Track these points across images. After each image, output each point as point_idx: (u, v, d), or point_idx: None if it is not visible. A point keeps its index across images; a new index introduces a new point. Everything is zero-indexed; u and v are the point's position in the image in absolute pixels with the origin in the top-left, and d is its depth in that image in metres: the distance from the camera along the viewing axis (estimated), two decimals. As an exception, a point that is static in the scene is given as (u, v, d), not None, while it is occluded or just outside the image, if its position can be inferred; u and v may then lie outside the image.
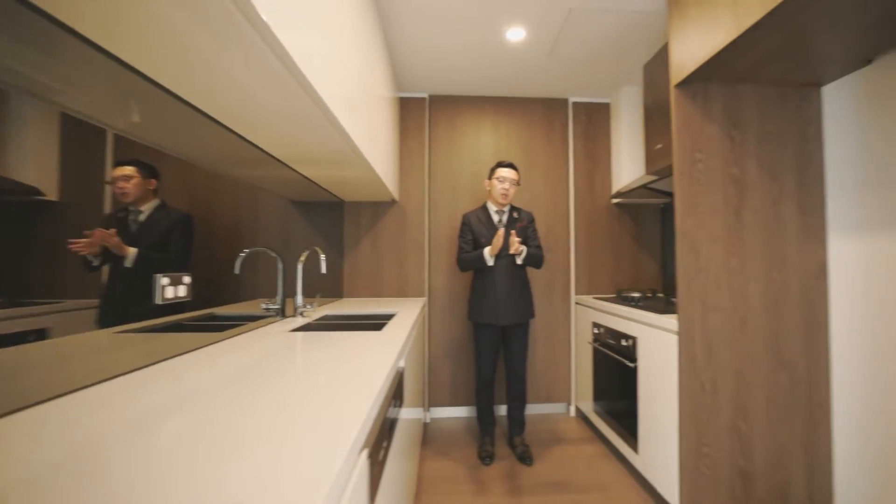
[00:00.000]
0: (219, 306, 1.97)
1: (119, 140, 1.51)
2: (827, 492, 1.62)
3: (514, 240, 2.05)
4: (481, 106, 2.82)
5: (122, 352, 1.06)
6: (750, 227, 1.64)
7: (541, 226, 2.75)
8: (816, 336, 1.64)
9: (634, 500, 1.80)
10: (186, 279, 1.11)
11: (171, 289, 1.06)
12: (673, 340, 1.64)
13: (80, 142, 1.42)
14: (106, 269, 1.41)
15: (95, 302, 1.38)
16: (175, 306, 1.58)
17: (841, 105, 1.59)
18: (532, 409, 2.78)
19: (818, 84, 1.65)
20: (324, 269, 1.72)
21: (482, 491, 1.86)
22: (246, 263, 1.73)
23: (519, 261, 2.16)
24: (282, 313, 1.74)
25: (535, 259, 2.21)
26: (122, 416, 0.65)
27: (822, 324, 1.64)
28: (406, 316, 1.78)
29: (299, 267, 1.78)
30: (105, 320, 1.35)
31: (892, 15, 1.19)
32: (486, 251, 2.11)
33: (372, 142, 1.73)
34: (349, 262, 2.64)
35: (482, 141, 2.82)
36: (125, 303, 1.45)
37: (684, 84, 1.63)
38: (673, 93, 1.64)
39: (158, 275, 1.03)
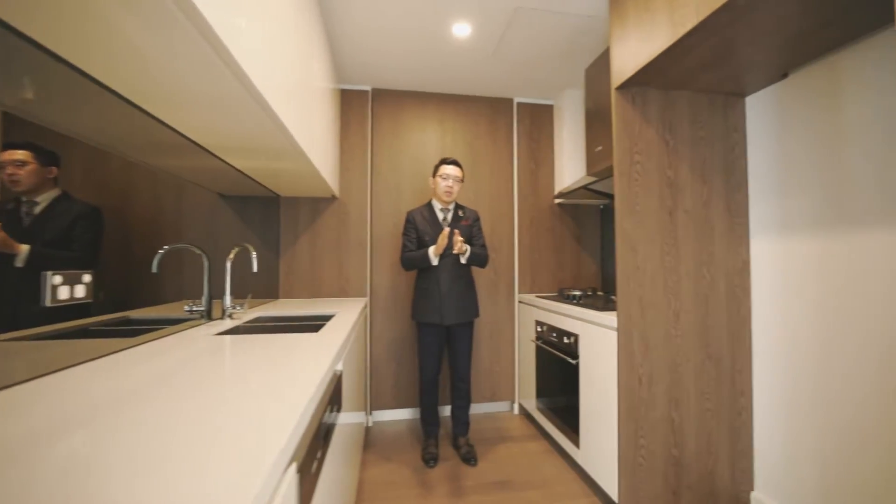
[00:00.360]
0: (136, 309, 1.78)
1: (10, 119, 1.32)
2: (748, 474, 1.75)
3: (458, 239, 2.04)
4: (426, 102, 2.79)
5: (5, 361, 0.91)
6: (683, 226, 1.74)
7: (485, 224, 2.78)
8: (740, 330, 1.77)
9: (576, 494, 1.86)
10: (86, 277, 0.98)
11: (65, 289, 0.92)
12: (612, 337, 1.70)
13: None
14: (-9, 268, 1.23)
15: (-25, 306, 1.19)
16: (79, 310, 1.41)
17: (761, 115, 1.73)
18: (477, 409, 2.80)
19: (742, 94, 1.78)
20: (255, 268, 1.61)
21: (425, 494, 1.83)
22: (170, 263, 1.58)
23: (463, 260, 2.16)
24: (208, 315, 1.61)
25: (479, 259, 2.21)
26: (-12, 440, 0.55)
27: (745, 318, 1.77)
28: (346, 317, 1.71)
29: (228, 265, 1.65)
30: (-13, 327, 1.17)
31: (805, 34, 1.31)
32: (431, 250, 2.09)
33: (310, 134, 1.64)
34: (286, 260, 2.51)
35: (427, 138, 2.79)
36: (15, 307, 1.27)
37: (624, 87, 1.69)
38: (613, 95, 1.70)
39: (48, 272, 0.90)
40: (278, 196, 2.48)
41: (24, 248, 1.21)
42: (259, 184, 2.02)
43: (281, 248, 2.51)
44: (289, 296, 2.52)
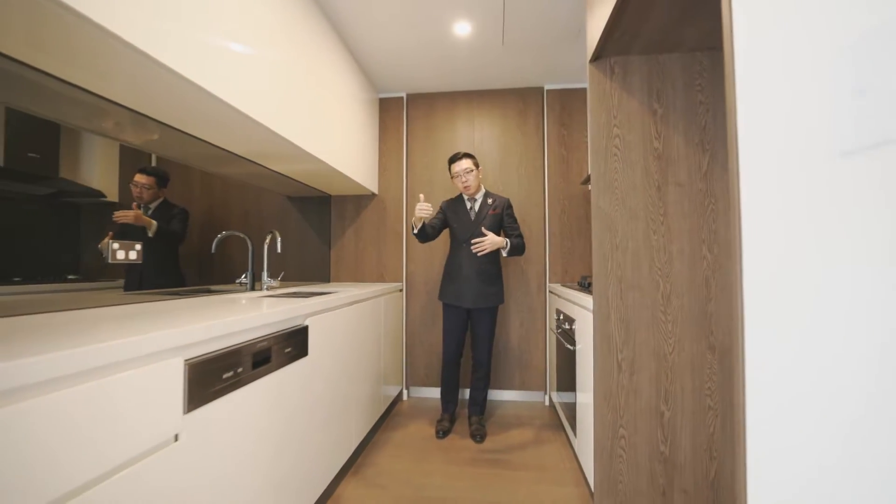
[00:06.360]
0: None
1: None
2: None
3: (483, 241, 2.27)
4: (456, 100, 3.08)
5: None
6: (675, 202, 1.68)
7: (516, 215, 2.93)
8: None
9: (567, 482, 1.90)
10: (137, 246, 1.57)
11: (121, 252, 1.52)
12: (591, 319, 1.74)
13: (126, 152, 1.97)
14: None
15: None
16: (174, 282, 2.14)
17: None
18: (506, 395, 2.99)
19: (756, 46, 1.62)
20: (279, 248, 2.15)
21: (422, 458, 2.10)
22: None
23: (504, 254, 2.35)
24: (252, 287, 2.20)
25: (518, 249, 2.38)
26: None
27: (762, 306, 1.61)
28: (339, 294, 2.07)
29: (265, 248, 2.23)
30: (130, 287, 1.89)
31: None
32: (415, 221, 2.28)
33: (321, 136, 2.10)
34: (336, 250, 3.07)
35: (458, 135, 3.08)
36: (141, 271, 2.01)
37: (599, 59, 1.73)
38: (588, 71, 1.75)
39: (111, 241, 1.50)
40: (329, 195, 3.06)
41: (154, 223, 1.93)
42: (305, 185, 2.60)
43: (332, 240, 3.08)
44: (337, 280, 3.07)
